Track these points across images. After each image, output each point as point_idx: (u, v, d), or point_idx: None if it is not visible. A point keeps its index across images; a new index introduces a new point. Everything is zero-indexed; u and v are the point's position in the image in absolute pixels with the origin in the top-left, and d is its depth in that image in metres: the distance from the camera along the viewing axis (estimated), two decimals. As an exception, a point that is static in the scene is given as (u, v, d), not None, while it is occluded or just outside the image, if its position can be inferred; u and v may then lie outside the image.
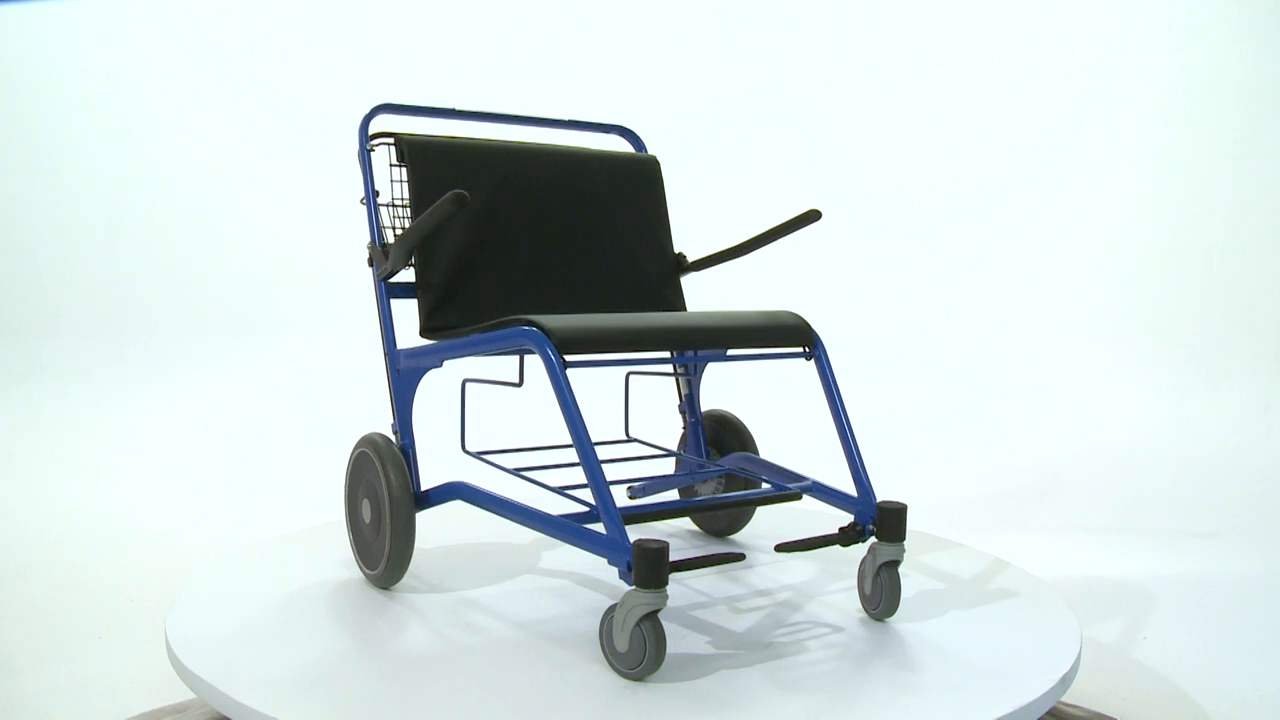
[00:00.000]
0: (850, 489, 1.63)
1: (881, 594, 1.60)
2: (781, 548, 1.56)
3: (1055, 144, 4.37)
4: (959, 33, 4.45)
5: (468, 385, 1.80)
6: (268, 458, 3.73)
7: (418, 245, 1.79)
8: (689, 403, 2.09)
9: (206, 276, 4.98)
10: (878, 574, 1.60)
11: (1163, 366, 4.03)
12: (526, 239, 1.95)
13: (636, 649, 1.36)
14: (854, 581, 1.81)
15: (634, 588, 1.32)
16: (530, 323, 1.48)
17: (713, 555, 1.41)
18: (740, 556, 1.45)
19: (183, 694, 1.71)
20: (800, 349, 1.67)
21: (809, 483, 1.69)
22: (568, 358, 1.44)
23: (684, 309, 2.08)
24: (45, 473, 3.55)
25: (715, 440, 2.10)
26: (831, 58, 4.57)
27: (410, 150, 1.90)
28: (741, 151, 4.59)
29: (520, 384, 1.68)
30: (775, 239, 1.97)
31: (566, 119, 2.16)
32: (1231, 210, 4.15)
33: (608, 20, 4.72)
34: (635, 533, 1.88)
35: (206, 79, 5.00)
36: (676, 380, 2.11)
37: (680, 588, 1.76)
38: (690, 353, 1.97)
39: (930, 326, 4.35)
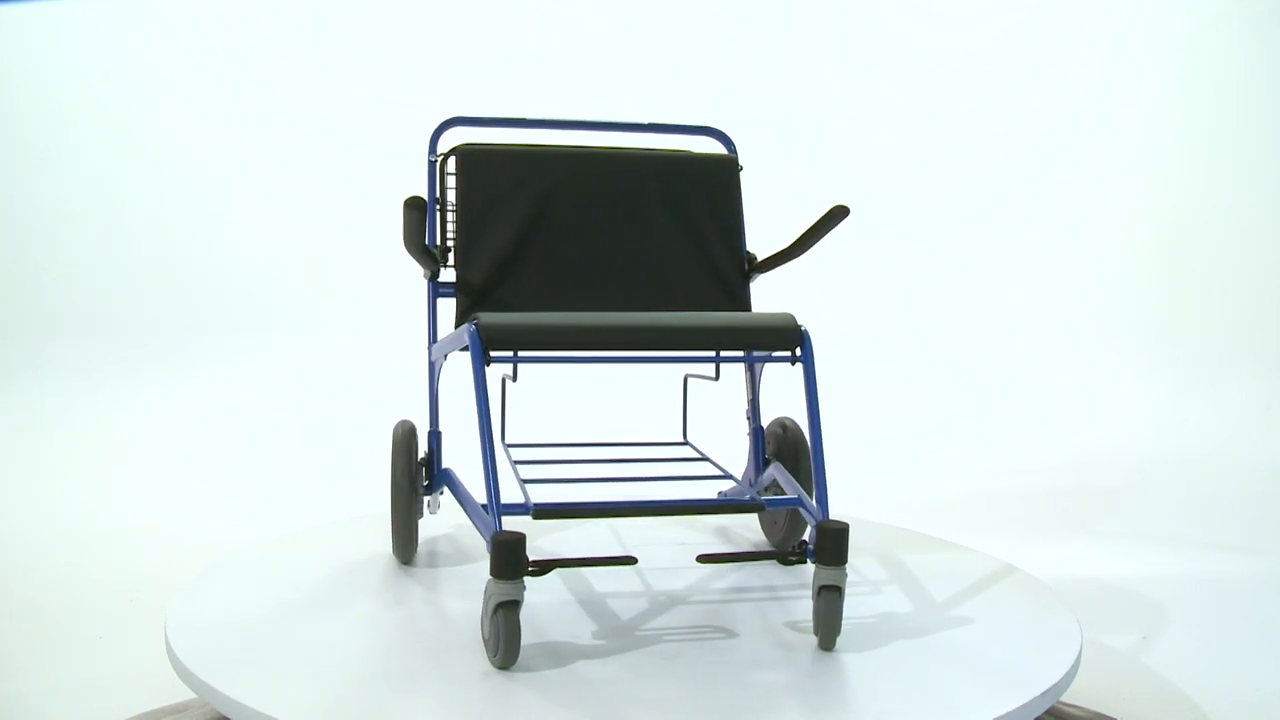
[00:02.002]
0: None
1: (819, 622, 1.48)
2: (704, 559, 1.52)
3: (1055, 144, 4.37)
4: (959, 33, 4.45)
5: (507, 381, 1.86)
6: (268, 458, 3.73)
7: (423, 250, 1.83)
8: (753, 408, 2.03)
9: (207, 277, 4.98)
10: (817, 598, 1.48)
11: (1163, 366, 4.03)
12: (568, 242, 1.97)
13: (494, 638, 1.38)
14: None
15: (490, 577, 1.36)
16: (475, 319, 1.52)
17: (594, 557, 1.45)
18: (631, 560, 1.47)
19: (183, 694, 1.71)
20: (785, 352, 1.58)
21: (796, 496, 1.65)
22: (494, 354, 1.49)
23: (745, 308, 2.00)
24: (45, 472, 3.55)
25: (777, 449, 2.01)
26: (831, 58, 4.57)
27: (461, 159, 1.97)
28: (742, 152, 4.59)
29: (515, 379, 1.73)
30: (818, 238, 1.87)
31: (648, 123, 2.11)
32: (1231, 210, 4.15)
33: (595, 19, 4.72)
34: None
35: (207, 79, 5.00)
36: (745, 383, 2.05)
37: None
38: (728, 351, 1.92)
39: (930, 326, 4.35)
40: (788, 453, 1.95)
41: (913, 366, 4.23)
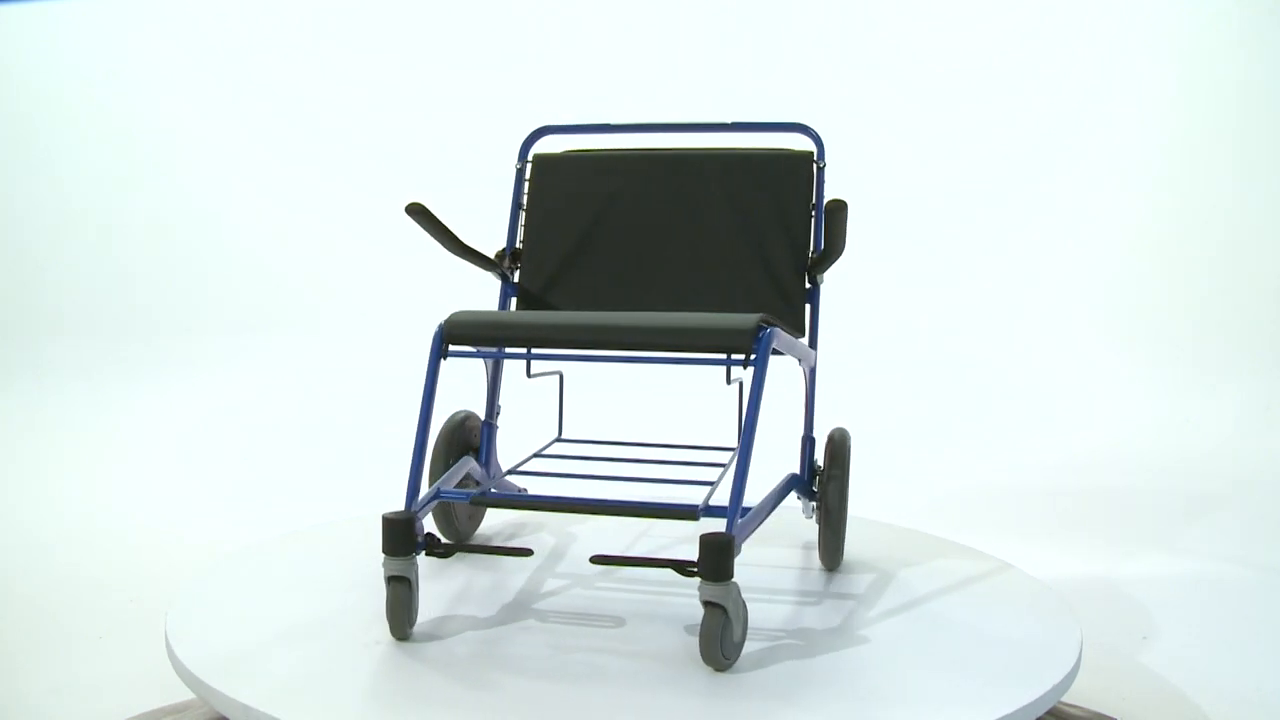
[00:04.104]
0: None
1: (699, 639, 1.40)
2: (597, 560, 1.49)
3: (1055, 144, 4.37)
4: (959, 33, 4.45)
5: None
6: (268, 457, 3.73)
7: (468, 250, 1.90)
8: (806, 414, 1.94)
9: (207, 276, 4.98)
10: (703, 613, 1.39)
11: (1163, 366, 4.03)
12: (624, 245, 1.99)
13: (386, 610, 1.49)
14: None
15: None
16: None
17: (492, 545, 1.53)
18: (528, 552, 1.53)
19: (183, 694, 1.71)
20: (739, 355, 1.49)
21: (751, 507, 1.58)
22: (454, 348, 1.56)
23: (793, 314, 1.92)
24: (45, 472, 3.55)
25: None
26: (831, 58, 4.57)
27: (536, 166, 2.05)
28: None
29: (529, 375, 1.84)
30: (841, 234, 1.76)
31: (731, 122, 2.07)
32: (1231, 210, 4.15)
33: (594, 20, 4.72)
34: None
35: (207, 79, 5.01)
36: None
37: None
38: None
39: (930, 326, 4.35)
40: (827, 461, 1.86)
41: (913, 366, 4.23)
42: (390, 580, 1.48)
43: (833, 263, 1.86)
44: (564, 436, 1.99)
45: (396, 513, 1.48)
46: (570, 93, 4.64)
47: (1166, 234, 4.22)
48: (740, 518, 1.43)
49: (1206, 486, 3.32)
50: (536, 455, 1.91)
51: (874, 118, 4.52)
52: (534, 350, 1.62)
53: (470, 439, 1.94)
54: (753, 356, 1.47)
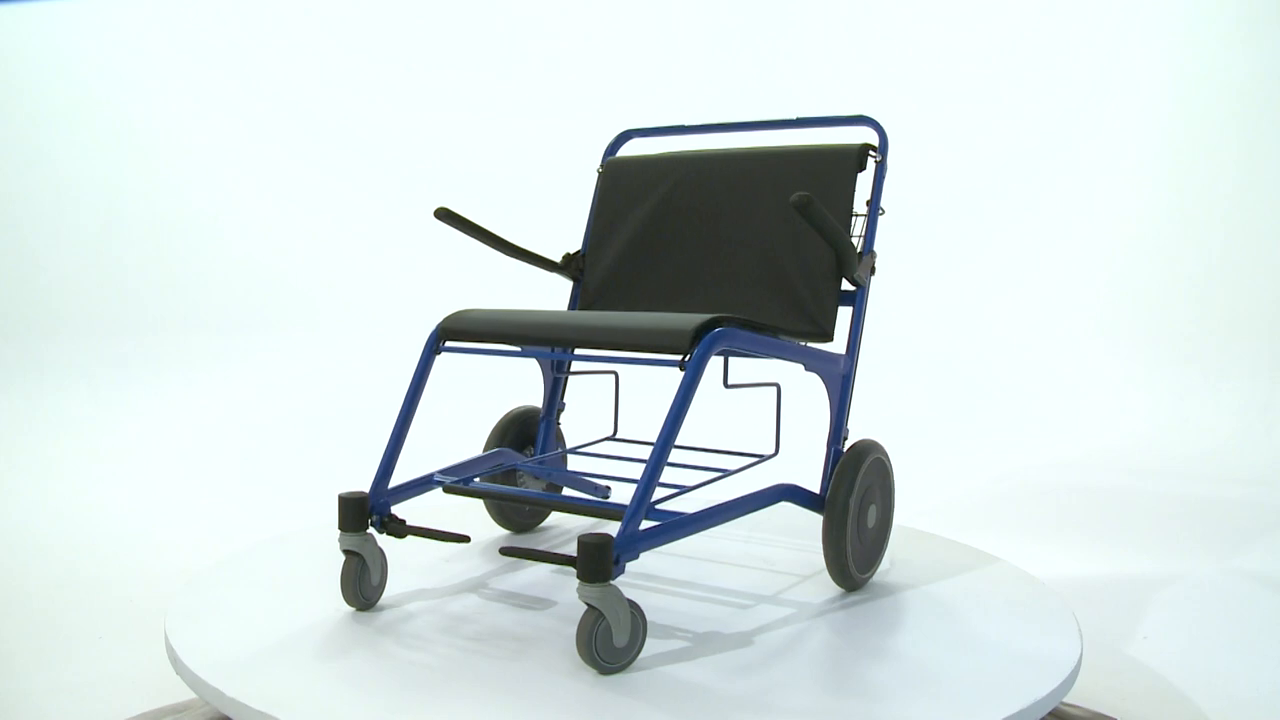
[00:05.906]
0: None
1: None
2: (506, 551, 1.47)
3: (1054, 143, 4.37)
4: (959, 33, 4.45)
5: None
6: (268, 457, 3.73)
7: (525, 253, 1.98)
8: (834, 425, 1.86)
9: (206, 277, 4.98)
10: None
11: (1163, 366, 4.03)
12: (676, 247, 2.01)
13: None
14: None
15: None
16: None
17: (433, 530, 1.57)
18: (466, 538, 1.57)
19: (183, 694, 1.71)
20: (676, 356, 1.44)
21: (681, 513, 1.55)
22: (448, 344, 1.66)
23: (825, 313, 1.87)
24: (45, 473, 3.55)
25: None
26: (830, 57, 4.57)
27: (605, 170, 2.12)
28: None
29: (561, 373, 1.94)
30: (831, 231, 1.71)
31: (795, 118, 2.07)
32: (1231, 210, 4.15)
33: (592, 20, 4.72)
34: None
35: (207, 79, 5.01)
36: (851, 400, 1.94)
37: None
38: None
39: (928, 325, 4.35)
40: (841, 462, 1.78)
41: (910, 365, 4.23)
42: (344, 553, 1.60)
43: (852, 261, 1.80)
44: (617, 435, 2.07)
45: (351, 492, 1.60)
46: (570, 94, 4.64)
47: (1166, 234, 4.22)
48: (654, 521, 1.40)
49: (1206, 487, 3.32)
50: (572, 451, 1.99)
51: (874, 117, 4.53)
52: (504, 347, 1.67)
53: (528, 433, 2.02)
54: (688, 358, 1.42)
